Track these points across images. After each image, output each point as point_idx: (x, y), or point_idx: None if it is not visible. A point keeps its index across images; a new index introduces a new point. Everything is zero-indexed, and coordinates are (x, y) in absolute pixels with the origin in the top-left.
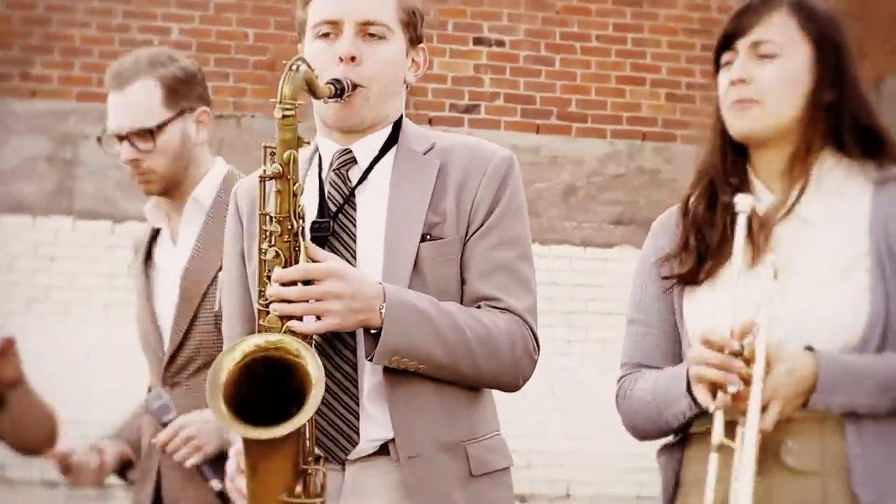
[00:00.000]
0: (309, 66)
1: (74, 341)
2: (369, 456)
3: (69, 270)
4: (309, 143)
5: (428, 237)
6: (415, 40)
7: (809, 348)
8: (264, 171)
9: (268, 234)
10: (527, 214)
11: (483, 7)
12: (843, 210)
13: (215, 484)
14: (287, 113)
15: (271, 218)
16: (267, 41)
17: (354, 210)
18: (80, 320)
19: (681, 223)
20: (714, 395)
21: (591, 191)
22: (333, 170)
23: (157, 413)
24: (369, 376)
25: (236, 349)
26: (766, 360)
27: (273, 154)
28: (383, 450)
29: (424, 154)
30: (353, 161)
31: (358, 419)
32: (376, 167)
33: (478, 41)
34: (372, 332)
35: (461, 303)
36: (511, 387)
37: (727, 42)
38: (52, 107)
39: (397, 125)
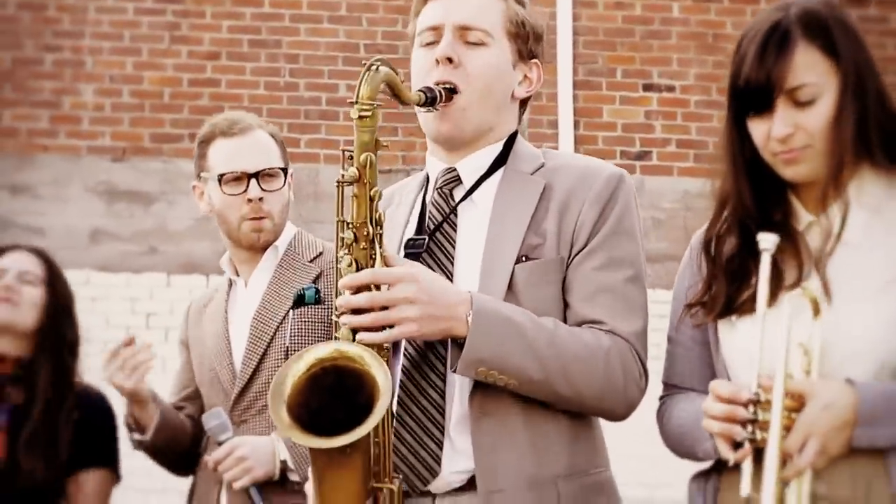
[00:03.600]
0: (392, 69)
1: None
2: (458, 489)
3: None
4: (387, 145)
5: (525, 258)
6: (525, 54)
7: (850, 381)
8: (342, 175)
9: (344, 241)
10: (639, 235)
11: (652, 53)
12: (880, 228)
13: None
14: (364, 114)
15: (348, 224)
16: None
17: (454, 229)
18: None
19: (704, 262)
20: (734, 446)
21: None
22: (437, 188)
23: (213, 431)
24: (458, 405)
25: (300, 360)
26: (800, 398)
27: (351, 158)
28: (472, 484)
29: (532, 174)
30: (458, 180)
31: (441, 448)
32: (481, 187)
33: (647, 87)
34: (458, 341)
35: None
36: (616, 413)
37: (757, 93)
38: None
39: (509, 144)
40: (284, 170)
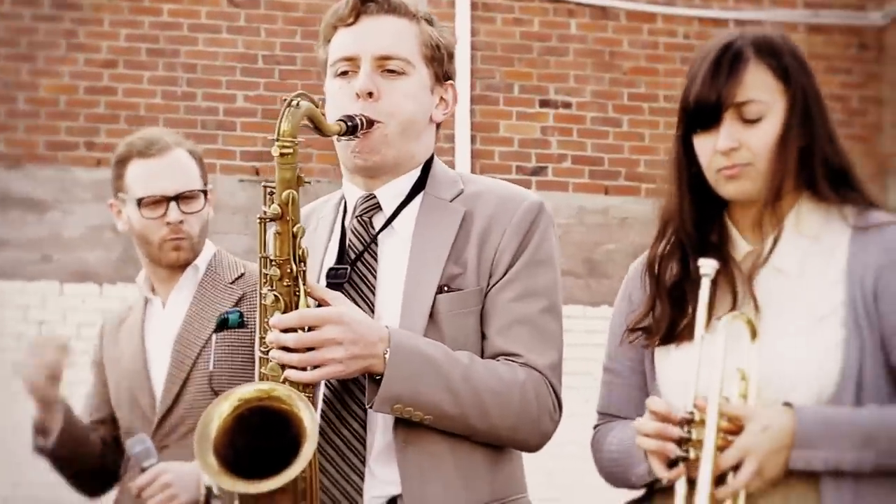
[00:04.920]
0: (313, 102)
1: None
2: None
3: None
4: (309, 182)
5: (446, 288)
6: (441, 77)
7: (788, 404)
8: (264, 212)
9: (268, 277)
10: (557, 266)
11: (549, 69)
12: (819, 258)
13: None
14: (285, 151)
15: (271, 261)
16: None
17: (375, 259)
18: None
19: (648, 283)
20: (668, 465)
21: None
22: (356, 216)
23: (137, 457)
24: (380, 435)
25: (225, 401)
26: (736, 420)
27: (272, 194)
28: None
29: (451, 201)
30: (378, 207)
31: (363, 479)
32: (401, 214)
33: (544, 103)
34: (375, 377)
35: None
36: (529, 445)
37: (705, 109)
38: None
39: (427, 168)
40: (204, 190)
